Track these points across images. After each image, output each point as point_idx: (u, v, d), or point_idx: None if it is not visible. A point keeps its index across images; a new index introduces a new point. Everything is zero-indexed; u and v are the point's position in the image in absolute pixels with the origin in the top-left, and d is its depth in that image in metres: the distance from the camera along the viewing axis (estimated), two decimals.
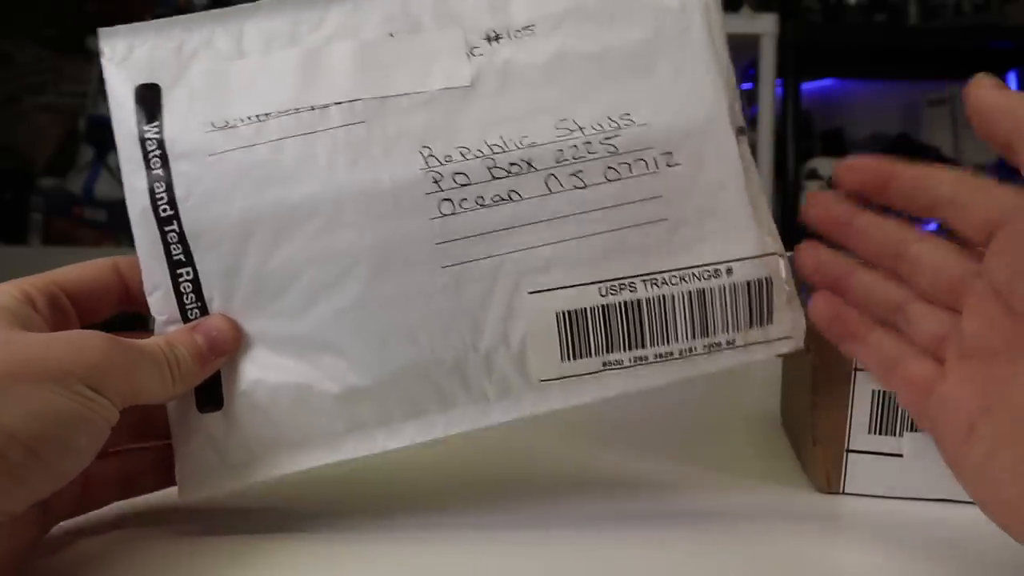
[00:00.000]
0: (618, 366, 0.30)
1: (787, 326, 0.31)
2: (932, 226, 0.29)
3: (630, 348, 0.30)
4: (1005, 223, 0.25)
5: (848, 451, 0.34)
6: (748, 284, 0.30)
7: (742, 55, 1.71)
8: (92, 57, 1.81)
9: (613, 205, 0.30)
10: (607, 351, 0.30)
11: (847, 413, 0.33)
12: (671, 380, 0.30)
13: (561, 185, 0.29)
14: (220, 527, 0.31)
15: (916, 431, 0.33)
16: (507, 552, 0.29)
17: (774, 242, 0.31)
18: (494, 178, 0.29)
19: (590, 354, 0.30)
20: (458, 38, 0.31)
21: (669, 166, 0.30)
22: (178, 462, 0.30)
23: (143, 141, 0.30)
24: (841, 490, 0.34)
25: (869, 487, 0.34)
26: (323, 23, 0.31)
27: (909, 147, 1.71)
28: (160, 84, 0.31)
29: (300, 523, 0.31)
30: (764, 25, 1.53)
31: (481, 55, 0.31)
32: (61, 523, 0.30)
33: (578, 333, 0.30)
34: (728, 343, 0.30)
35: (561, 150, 0.30)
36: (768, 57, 1.53)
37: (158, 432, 0.31)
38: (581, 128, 0.30)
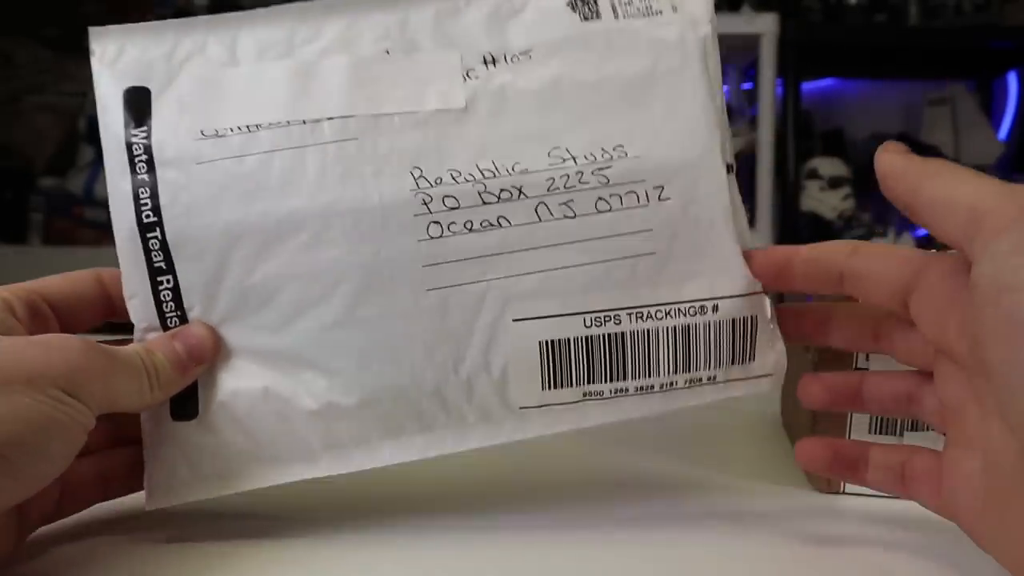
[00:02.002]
0: (598, 397, 0.30)
1: (769, 364, 0.31)
2: (921, 232, 0.30)
3: (611, 380, 0.30)
4: (915, 287, 0.26)
5: None
6: (733, 321, 0.30)
7: (742, 55, 1.71)
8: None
9: (602, 236, 0.30)
10: (588, 382, 0.30)
11: (847, 413, 0.33)
12: (651, 413, 0.30)
13: (551, 214, 0.29)
14: (199, 533, 0.31)
15: (916, 431, 0.33)
16: (506, 552, 0.29)
17: (758, 282, 0.31)
18: (484, 203, 0.29)
19: (571, 384, 0.30)
20: (454, 60, 0.31)
21: (660, 200, 0.30)
22: (148, 470, 0.30)
23: (130, 146, 0.30)
24: (841, 490, 0.34)
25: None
26: (319, 36, 0.31)
27: (909, 147, 1.71)
28: (150, 88, 0.30)
29: (283, 527, 0.31)
30: (764, 25, 1.53)
31: (477, 78, 0.31)
32: (40, 529, 0.29)
33: (560, 363, 0.30)
34: (709, 379, 0.30)
35: (552, 179, 0.30)
36: (768, 57, 1.53)
37: (135, 435, 0.30)
38: (574, 157, 0.30)
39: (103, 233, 1.74)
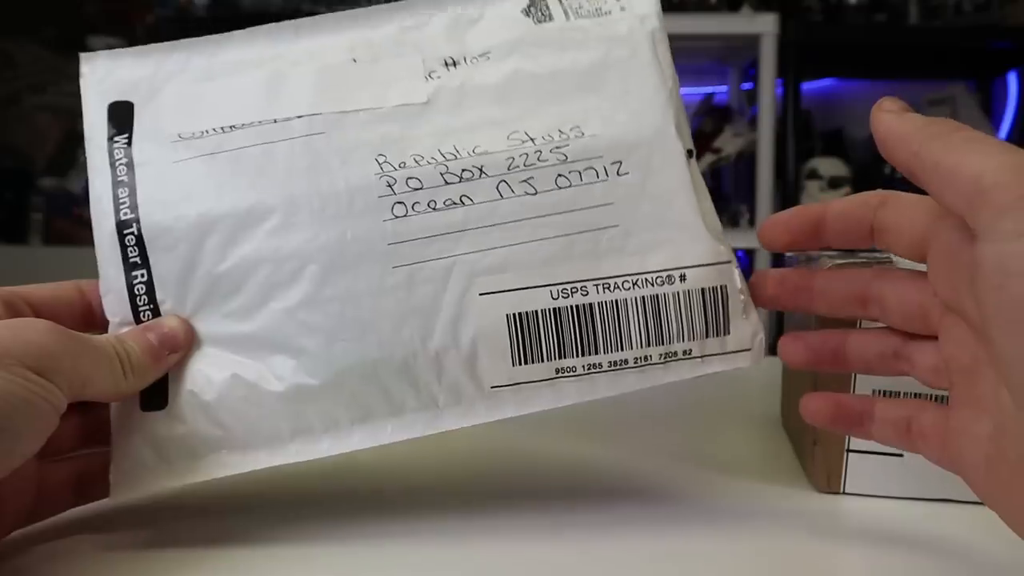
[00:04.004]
0: (571, 373, 0.30)
1: (745, 338, 0.31)
2: None
3: (583, 354, 0.30)
4: (931, 240, 0.25)
5: (848, 451, 0.34)
6: (703, 291, 0.30)
7: (742, 55, 1.70)
8: None
9: (564, 211, 0.30)
10: (559, 356, 0.30)
11: None
12: (626, 390, 0.30)
13: (512, 191, 0.30)
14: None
15: None
16: (505, 552, 0.29)
17: (727, 252, 0.31)
18: (446, 183, 0.30)
19: (542, 359, 0.30)
20: (416, 63, 0.33)
21: (619, 175, 0.31)
22: (114, 461, 0.30)
23: (111, 151, 0.32)
24: (841, 490, 0.34)
25: (869, 487, 0.34)
26: (290, 52, 0.34)
27: None
28: (133, 102, 0.33)
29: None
30: (764, 25, 1.53)
31: (438, 78, 0.32)
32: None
33: (529, 336, 0.30)
34: (685, 353, 0.30)
35: (512, 158, 0.31)
36: (768, 57, 1.53)
37: (108, 437, 0.30)
38: (532, 139, 0.31)
39: None
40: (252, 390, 0.30)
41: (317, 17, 0.34)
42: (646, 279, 0.30)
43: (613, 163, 0.31)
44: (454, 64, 0.33)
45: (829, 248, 0.30)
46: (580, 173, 0.31)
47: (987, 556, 0.29)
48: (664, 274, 0.30)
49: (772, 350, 0.32)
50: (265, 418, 0.30)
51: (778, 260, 1.53)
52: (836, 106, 1.88)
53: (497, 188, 0.30)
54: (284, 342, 0.30)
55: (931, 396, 0.32)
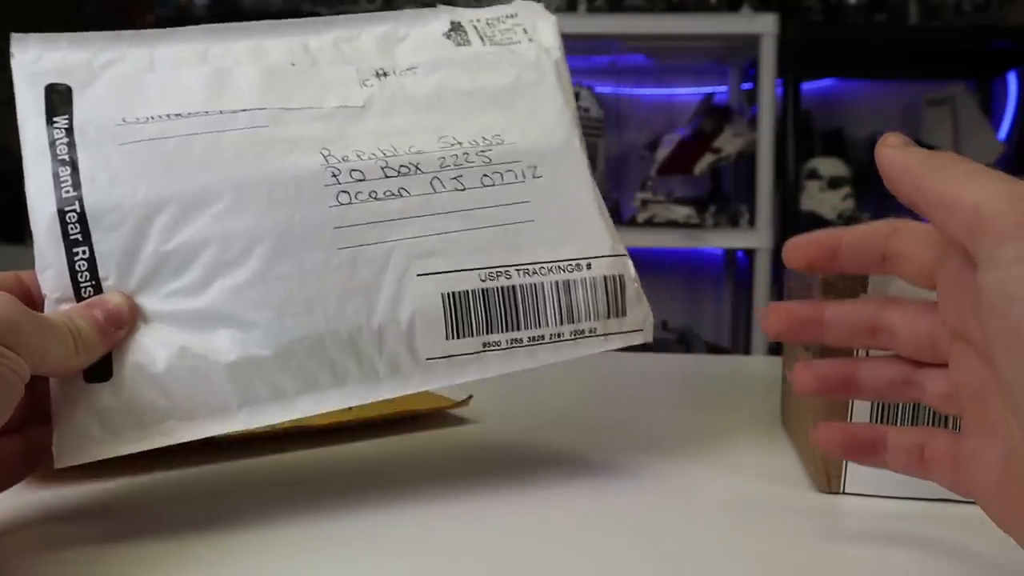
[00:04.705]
0: (496, 347, 0.33)
1: (639, 319, 0.35)
2: None
3: (507, 330, 0.33)
4: (939, 269, 0.26)
5: None
6: (605, 279, 0.35)
7: (742, 55, 1.71)
8: None
9: (489, 206, 0.34)
10: (487, 332, 0.33)
11: (847, 413, 0.33)
12: (541, 364, 0.34)
13: (444, 186, 0.34)
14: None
15: None
16: (503, 550, 0.29)
17: (622, 247, 0.36)
18: (386, 176, 0.33)
19: (472, 334, 0.33)
20: (351, 72, 0.36)
21: (535, 177, 0.35)
22: (57, 430, 0.30)
23: (50, 132, 0.32)
24: (841, 490, 0.34)
25: (869, 487, 0.34)
26: (230, 52, 0.36)
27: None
28: (71, 85, 0.33)
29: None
30: (764, 25, 1.53)
31: (371, 86, 0.36)
32: None
33: (461, 313, 0.33)
34: (591, 331, 0.34)
35: (443, 158, 0.34)
36: (768, 57, 1.54)
37: (48, 412, 0.30)
38: (460, 143, 0.35)
39: None
40: (201, 361, 0.31)
41: (255, 22, 0.36)
42: (559, 266, 0.34)
43: (529, 167, 0.35)
44: (384, 75, 0.36)
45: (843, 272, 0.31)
46: (502, 174, 0.35)
47: (987, 556, 0.29)
48: (573, 262, 0.34)
49: (773, 351, 0.32)
50: (213, 388, 0.31)
51: (778, 259, 1.53)
52: (836, 106, 1.89)
53: (431, 183, 0.34)
54: (233, 316, 0.31)
55: (939, 420, 0.32)
